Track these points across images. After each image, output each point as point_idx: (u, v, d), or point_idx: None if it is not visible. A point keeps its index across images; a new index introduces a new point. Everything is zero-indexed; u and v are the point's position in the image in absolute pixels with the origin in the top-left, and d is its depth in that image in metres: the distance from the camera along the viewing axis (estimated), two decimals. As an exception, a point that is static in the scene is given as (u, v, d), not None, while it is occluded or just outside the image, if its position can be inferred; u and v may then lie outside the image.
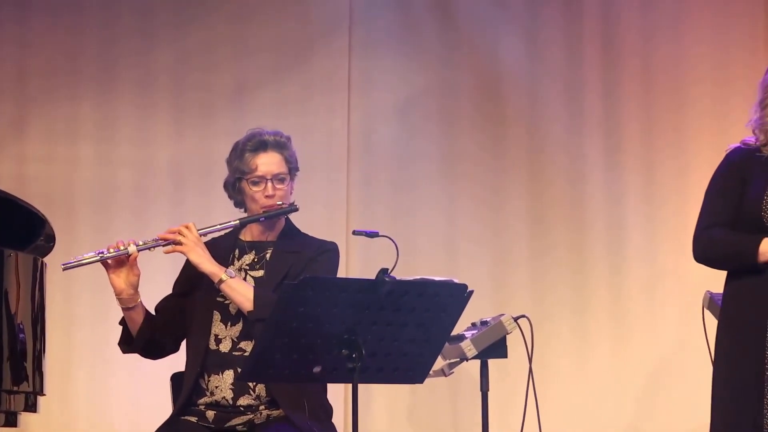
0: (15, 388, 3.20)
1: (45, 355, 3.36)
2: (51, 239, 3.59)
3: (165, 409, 4.06)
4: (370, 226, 5.05)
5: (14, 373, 3.19)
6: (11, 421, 3.26)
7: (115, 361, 5.27)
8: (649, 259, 5.76)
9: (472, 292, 3.51)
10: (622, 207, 5.80)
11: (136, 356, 4.10)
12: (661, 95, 5.82)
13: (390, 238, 3.78)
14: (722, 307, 3.95)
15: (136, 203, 5.65)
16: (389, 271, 3.36)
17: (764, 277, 3.81)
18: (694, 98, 5.80)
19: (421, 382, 3.61)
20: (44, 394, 3.33)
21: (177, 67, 5.75)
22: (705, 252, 3.95)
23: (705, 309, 4.46)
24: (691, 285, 5.35)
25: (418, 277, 3.64)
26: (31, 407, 3.30)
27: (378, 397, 5.55)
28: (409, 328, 3.45)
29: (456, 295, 3.47)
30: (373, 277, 3.39)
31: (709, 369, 4.30)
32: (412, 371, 3.55)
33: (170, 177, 5.71)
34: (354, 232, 3.93)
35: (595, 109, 5.83)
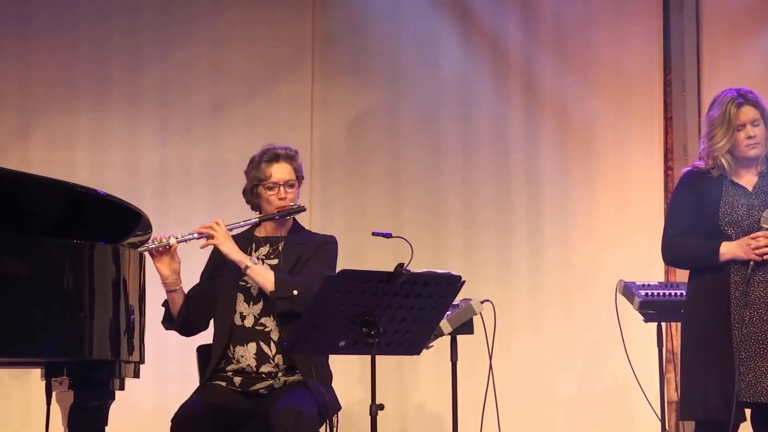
0: (129, 358, 3.62)
1: (145, 331, 3.73)
2: (148, 227, 3.93)
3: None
4: (329, 224, 5.66)
5: (129, 346, 3.59)
6: (121, 386, 3.67)
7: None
8: (562, 245, 6.28)
9: (464, 281, 4.00)
10: (541, 200, 6.30)
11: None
12: (573, 111, 6.32)
13: (405, 239, 4.28)
14: (687, 300, 4.42)
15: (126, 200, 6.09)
16: (405, 265, 3.79)
17: (723, 274, 4.27)
18: (599, 108, 6.32)
19: (419, 353, 4.10)
20: (144, 363, 3.73)
21: (162, 83, 6.14)
22: (675, 255, 4.40)
23: (618, 294, 5.02)
24: (602, 269, 6.02)
25: (425, 270, 4.06)
26: (136, 374, 3.72)
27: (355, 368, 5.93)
28: (414, 310, 3.92)
29: (453, 284, 3.97)
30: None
31: (620, 343, 4.97)
32: (413, 345, 4.03)
33: (156, 178, 6.10)
34: (373, 234, 4.40)
35: (517, 123, 6.32)
